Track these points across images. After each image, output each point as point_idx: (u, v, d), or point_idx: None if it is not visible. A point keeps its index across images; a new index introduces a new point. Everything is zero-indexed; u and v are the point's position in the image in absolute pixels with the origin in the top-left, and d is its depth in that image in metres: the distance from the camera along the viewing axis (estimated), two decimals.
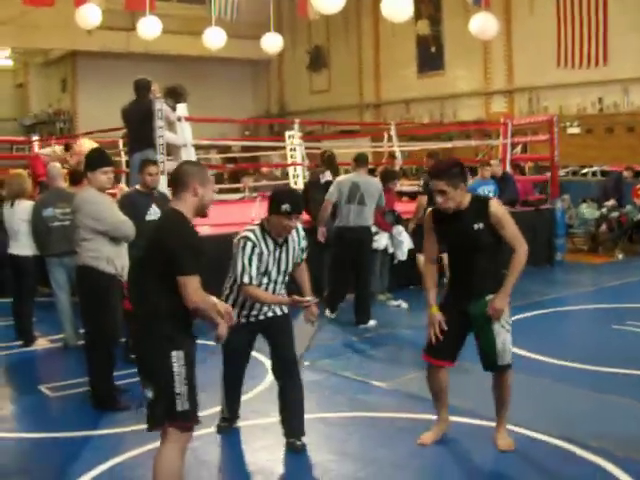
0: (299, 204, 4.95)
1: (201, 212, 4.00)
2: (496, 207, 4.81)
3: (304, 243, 5.16)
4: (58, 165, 8.50)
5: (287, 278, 5.13)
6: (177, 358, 3.79)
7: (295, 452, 5.00)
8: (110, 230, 5.94)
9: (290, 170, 14.48)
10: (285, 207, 4.78)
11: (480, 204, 4.82)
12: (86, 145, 11.84)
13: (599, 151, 20.37)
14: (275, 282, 5.01)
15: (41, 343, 8.09)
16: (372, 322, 8.69)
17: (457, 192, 4.75)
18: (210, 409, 5.34)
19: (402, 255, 9.96)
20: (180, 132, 10.43)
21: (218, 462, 4.99)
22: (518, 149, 16.45)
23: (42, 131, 24.73)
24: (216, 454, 5.06)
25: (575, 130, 21.62)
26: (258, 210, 9.17)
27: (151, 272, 3.88)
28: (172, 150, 10.30)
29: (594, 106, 21.82)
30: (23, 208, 7.94)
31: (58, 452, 5.13)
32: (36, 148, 13.59)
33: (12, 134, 24.65)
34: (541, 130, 15.88)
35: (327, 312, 8.73)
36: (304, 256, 5.22)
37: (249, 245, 4.85)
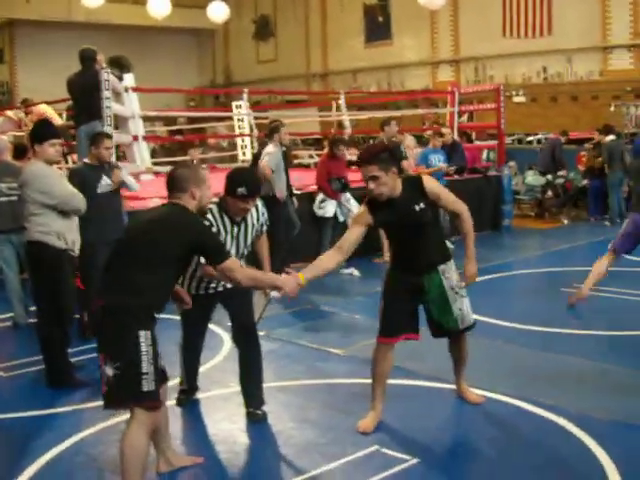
0: (256, 187, 4.85)
1: (200, 212, 4.19)
2: (429, 183, 4.76)
3: (263, 218, 5.13)
4: (4, 138, 8.24)
5: (247, 252, 5.12)
6: (145, 338, 3.76)
7: (256, 421, 5.02)
8: (60, 204, 5.75)
9: (238, 141, 14.36)
10: (241, 190, 4.70)
11: (413, 184, 4.73)
12: (45, 109, 11.64)
13: (544, 119, 20.68)
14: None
15: None
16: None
17: (389, 176, 4.60)
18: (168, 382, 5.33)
19: None
20: (128, 103, 10.31)
21: (180, 434, 4.97)
22: (465, 117, 16.58)
23: None
24: (178, 426, 5.02)
25: (521, 99, 21.90)
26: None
27: (138, 259, 3.84)
28: (120, 122, 10.18)
29: (539, 75, 22.15)
30: None
31: (17, 432, 5.03)
32: None
33: None
34: (487, 99, 16.07)
35: None
36: (264, 229, 5.22)
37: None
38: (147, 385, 3.73)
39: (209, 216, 4.81)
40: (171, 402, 5.25)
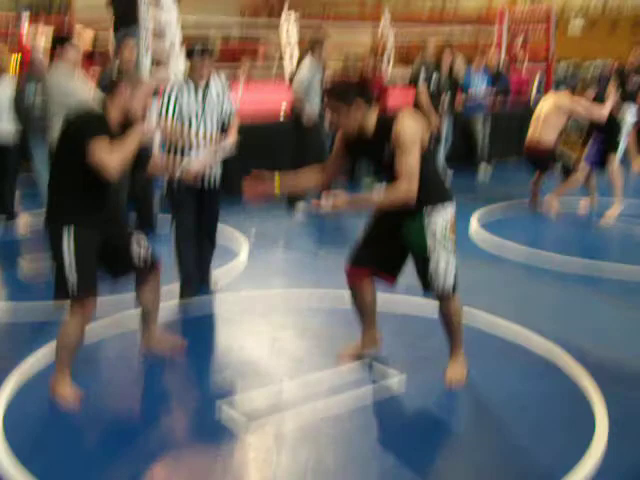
0: (208, 47, 5.58)
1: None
2: (403, 126, 4.02)
3: (228, 103, 5.72)
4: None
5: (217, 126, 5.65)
6: (67, 233, 3.97)
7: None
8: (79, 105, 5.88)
9: (287, 52, 14.27)
10: (197, 47, 5.47)
11: (387, 123, 4.07)
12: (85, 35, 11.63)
13: (602, 46, 20.04)
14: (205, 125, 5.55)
15: (23, 218, 8.17)
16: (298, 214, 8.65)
17: (351, 109, 4.05)
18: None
19: None
20: (166, 9, 10.19)
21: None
22: (519, 40, 16.15)
23: (37, 9, 24.17)
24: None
25: (578, 24, 21.23)
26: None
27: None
28: (157, 28, 10.09)
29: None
30: (4, 83, 7.80)
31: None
32: (25, 26, 13.31)
33: (7, 11, 24.10)
34: (542, 23, 15.59)
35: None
36: (229, 115, 5.72)
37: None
38: (71, 278, 3.99)
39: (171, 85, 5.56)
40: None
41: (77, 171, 3.99)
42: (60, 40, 5.95)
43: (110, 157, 3.89)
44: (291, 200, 8.67)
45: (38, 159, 7.71)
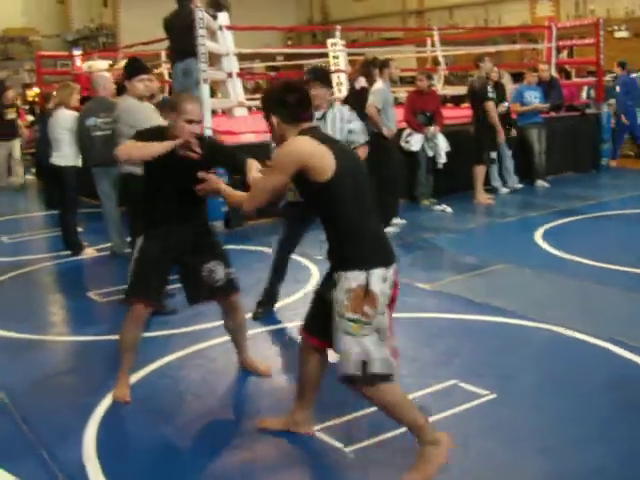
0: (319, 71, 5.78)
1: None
2: (280, 148, 3.48)
3: (349, 125, 5.79)
4: (105, 75, 8.34)
5: None
6: (138, 241, 4.43)
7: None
8: None
9: (334, 78, 14.35)
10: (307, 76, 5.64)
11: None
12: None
13: None
14: None
15: (89, 252, 8.28)
16: (391, 229, 8.60)
17: (272, 124, 3.56)
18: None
19: (441, 159, 9.95)
20: (222, 41, 10.40)
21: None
22: (564, 53, 16.11)
23: (85, 46, 24.69)
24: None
25: (623, 34, 21.04)
26: None
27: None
28: (214, 59, 10.29)
29: None
30: (65, 117, 7.93)
31: (108, 353, 5.27)
32: (78, 62, 13.63)
33: (56, 50, 24.64)
34: (587, 34, 15.51)
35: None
36: (356, 138, 5.88)
37: None
38: (130, 282, 4.40)
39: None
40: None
41: (146, 185, 4.42)
42: (127, 74, 6.05)
43: (123, 147, 4.45)
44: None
45: (102, 192, 7.86)
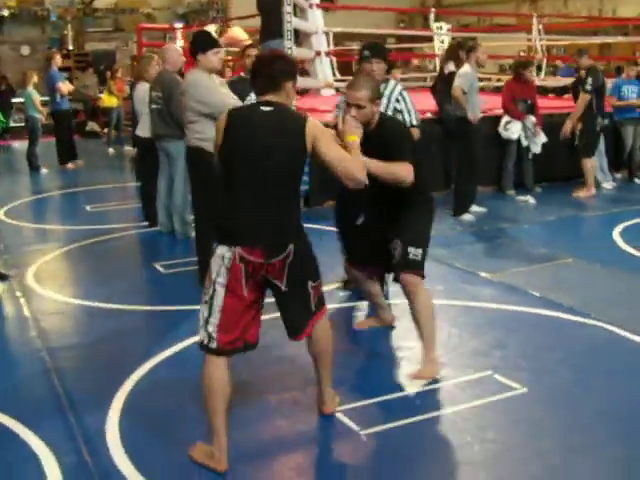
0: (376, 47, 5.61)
1: None
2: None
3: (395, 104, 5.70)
4: (174, 47, 8.31)
5: None
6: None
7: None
8: (215, 112, 5.74)
9: (437, 62, 14.22)
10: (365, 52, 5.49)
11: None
12: (237, 33, 11.90)
13: None
14: None
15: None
16: (468, 216, 8.49)
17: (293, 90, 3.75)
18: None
19: (536, 148, 9.73)
20: (311, 19, 10.39)
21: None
22: None
23: (195, 20, 24.92)
24: None
25: None
26: None
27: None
28: (303, 38, 10.29)
29: None
30: (141, 90, 8.06)
31: (163, 322, 5.48)
32: (179, 35, 13.84)
33: (167, 23, 25.01)
34: None
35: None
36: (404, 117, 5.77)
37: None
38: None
39: None
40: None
41: None
42: (201, 47, 5.95)
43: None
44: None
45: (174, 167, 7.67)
